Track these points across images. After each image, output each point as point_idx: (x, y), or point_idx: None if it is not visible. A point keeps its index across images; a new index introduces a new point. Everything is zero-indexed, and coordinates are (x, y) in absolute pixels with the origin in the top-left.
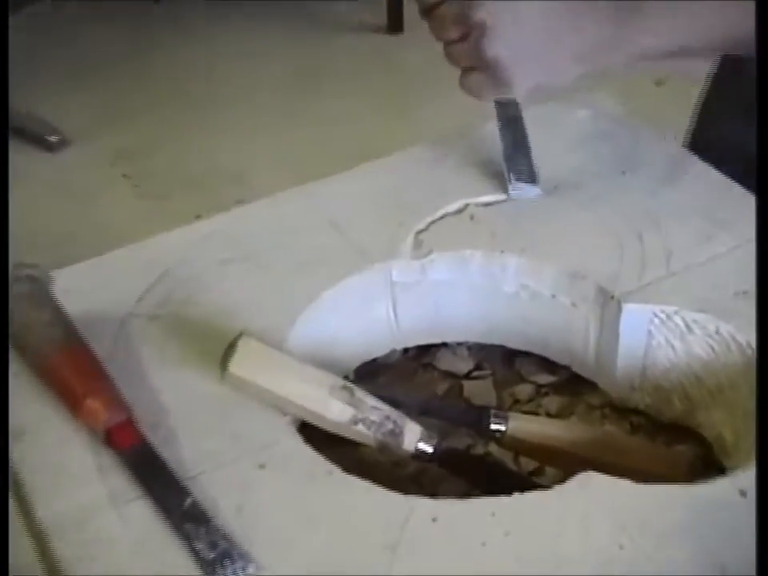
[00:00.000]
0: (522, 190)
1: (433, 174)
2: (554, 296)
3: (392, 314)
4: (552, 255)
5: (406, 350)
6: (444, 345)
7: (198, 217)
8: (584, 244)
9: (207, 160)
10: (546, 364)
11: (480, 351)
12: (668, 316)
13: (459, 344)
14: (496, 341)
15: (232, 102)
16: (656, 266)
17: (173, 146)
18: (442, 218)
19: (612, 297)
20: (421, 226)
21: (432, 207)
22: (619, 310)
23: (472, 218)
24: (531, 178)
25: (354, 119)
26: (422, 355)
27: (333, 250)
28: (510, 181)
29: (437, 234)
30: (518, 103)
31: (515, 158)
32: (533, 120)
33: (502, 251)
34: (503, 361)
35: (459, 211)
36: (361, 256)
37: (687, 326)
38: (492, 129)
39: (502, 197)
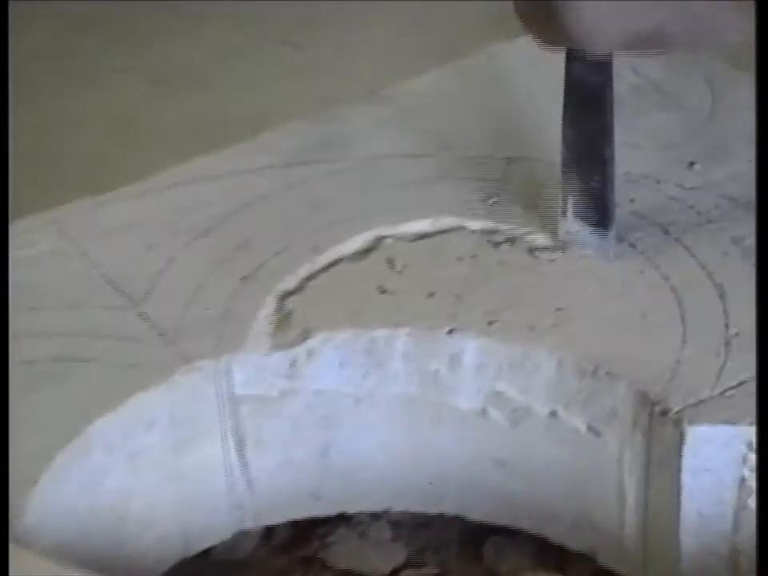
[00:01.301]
0: (579, 236)
1: (323, 181)
2: (553, 414)
3: (235, 461)
4: (550, 332)
5: (267, 533)
6: (343, 518)
7: None
8: (614, 313)
9: None
10: (545, 551)
11: (417, 529)
12: None
13: (374, 516)
14: (448, 509)
15: None
16: (748, 353)
17: None
18: (334, 264)
19: (666, 413)
20: (288, 283)
21: (316, 244)
22: (681, 438)
23: (391, 262)
24: (603, 215)
25: None
26: (299, 542)
27: (109, 331)
28: (564, 213)
29: (321, 298)
30: (606, 63)
31: (583, 172)
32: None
33: (450, 330)
34: (462, 547)
35: (366, 251)
36: (163, 346)
37: None
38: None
39: (539, 238)
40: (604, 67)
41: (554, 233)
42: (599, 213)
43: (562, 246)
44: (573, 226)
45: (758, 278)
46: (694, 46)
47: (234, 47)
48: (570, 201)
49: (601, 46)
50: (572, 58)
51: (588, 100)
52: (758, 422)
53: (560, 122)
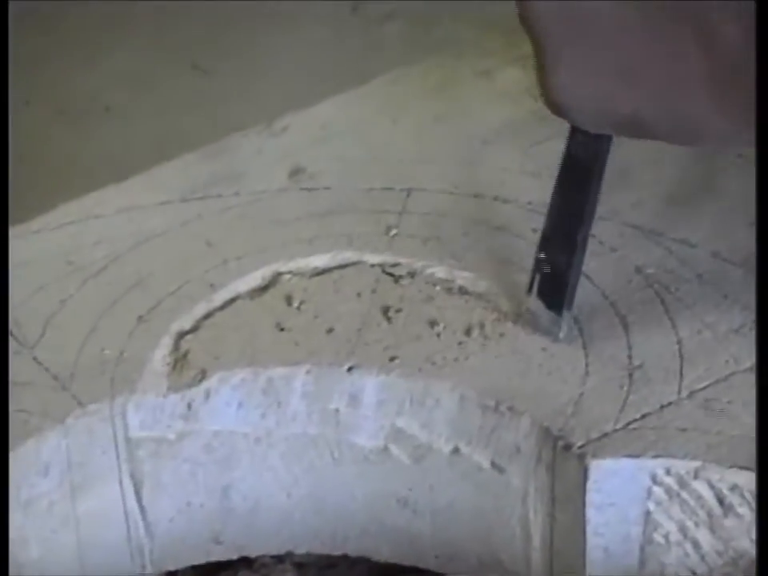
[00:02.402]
0: (536, 315)
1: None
2: (456, 450)
3: (134, 505)
4: (452, 366)
5: None
6: (246, 561)
7: None
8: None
9: None
10: None
11: (322, 571)
12: (682, 479)
13: (277, 559)
14: (351, 550)
15: None
16: (652, 385)
17: None
18: (231, 301)
19: (569, 447)
20: (184, 322)
21: (212, 281)
22: (585, 472)
23: (289, 299)
24: (563, 298)
25: None
26: None
27: None
28: (529, 289)
29: (217, 337)
30: (601, 141)
31: (554, 246)
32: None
33: (350, 367)
34: None
35: (264, 287)
36: (58, 390)
37: (719, 497)
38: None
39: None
40: (599, 144)
41: (513, 302)
42: (560, 295)
43: (514, 319)
44: (535, 304)
45: (758, 280)
46: (680, 139)
47: (144, 74)
48: (537, 278)
49: (585, 124)
50: (573, 127)
51: (576, 174)
52: (758, 422)
53: (460, 151)
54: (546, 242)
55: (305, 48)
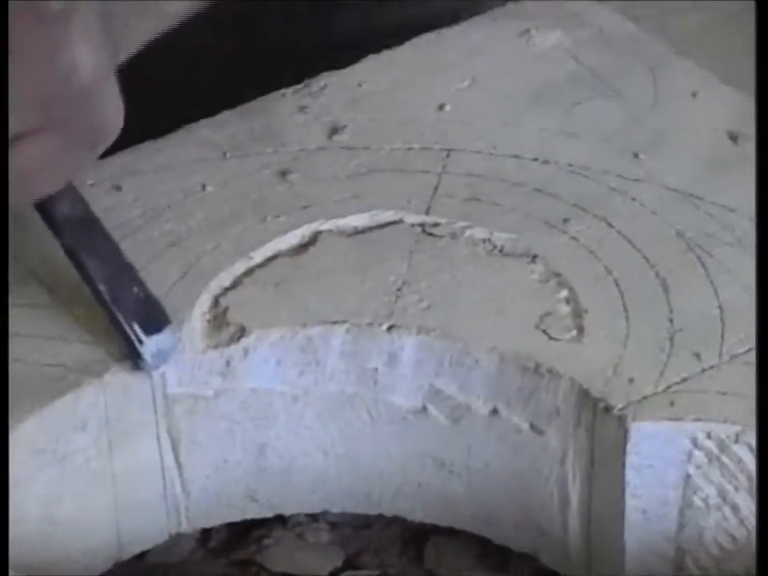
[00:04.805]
0: (158, 349)
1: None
2: (495, 412)
3: (170, 462)
4: (492, 328)
5: (204, 536)
6: (281, 520)
7: None
8: (547, 304)
9: None
10: (488, 552)
11: (355, 531)
12: (723, 443)
13: (311, 518)
14: (386, 510)
15: None
16: (692, 349)
17: None
18: (270, 259)
19: (608, 409)
20: (223, 280)
21: (251, 239)
22: (624, 434)
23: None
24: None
25: None
26: (236, 544)
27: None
28: (137, 339)
29: (256, 295)
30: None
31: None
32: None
33: (389, 326)
34: (403, 548)
35: (303, 246)
36: (95, 346)
37: None
38: None
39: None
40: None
41: (135, 362)
42: (158, 316)
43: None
44: (150, 344)
45: (758, 282)
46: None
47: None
48: (134, 324)
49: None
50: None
51: (80, 231)
52: (758, 420)
53: (498, 112)
54: (110, 296)
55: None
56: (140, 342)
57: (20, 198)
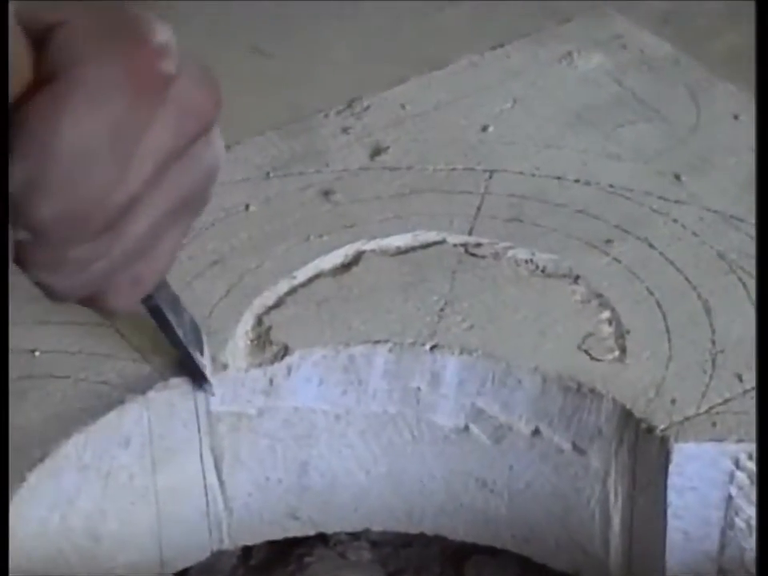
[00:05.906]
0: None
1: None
2: (537, 432)
3: (213, 480)
4: (534, 348)
5: (245, 554)
6: (322, 538)
7: None
8: (588, 324)
9: None
10: (528, 571)
11: (396, 550)
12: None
13: (352, 536)
14: (428, 528)
15: None
16: (734, 369)
17: None
18: (313, 279)
19: (650, 429)
20: (267, 299)
21: (294, 258)
22: (667, 455)
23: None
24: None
25: None
26: (277, 562)
27: (82, 347)
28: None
29: (299, 314)
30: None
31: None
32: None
33: (432, 346)
34: (443, 566)
35: (346, 265)
36: (140, 362)
37: None
38: None
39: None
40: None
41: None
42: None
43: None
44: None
45: (758, 283)
46: None
47: (203, 57)
48: (196, 351)
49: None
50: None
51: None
52: (758, 431)
53: (541, 134)
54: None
55: (365, 32)
56: (203, 365)
57: (137, 298)
